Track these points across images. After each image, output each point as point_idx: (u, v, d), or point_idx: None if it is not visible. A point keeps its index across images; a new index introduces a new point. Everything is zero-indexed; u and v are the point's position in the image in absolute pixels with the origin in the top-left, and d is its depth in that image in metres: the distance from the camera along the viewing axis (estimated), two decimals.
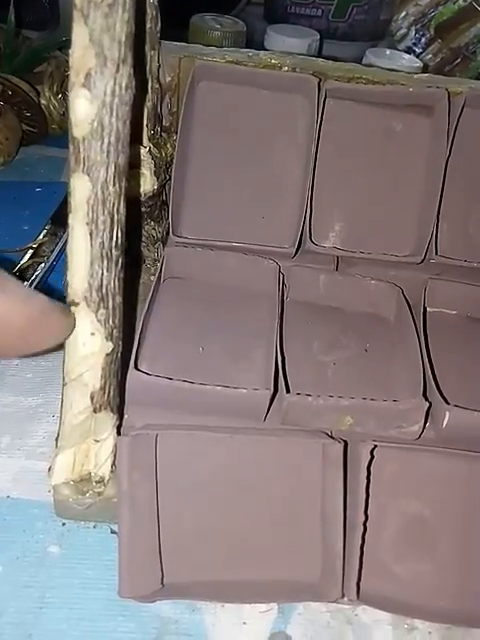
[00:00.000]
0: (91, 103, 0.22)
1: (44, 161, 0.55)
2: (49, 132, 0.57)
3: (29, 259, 0.41)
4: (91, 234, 0.23)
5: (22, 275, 0.40)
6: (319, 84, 0.32)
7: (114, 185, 0.23)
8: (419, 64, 0.63)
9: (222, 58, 0.33)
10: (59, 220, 0.44)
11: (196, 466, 0.26)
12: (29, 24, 0.68)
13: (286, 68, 0.33)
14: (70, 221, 0.23)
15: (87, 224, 0.23)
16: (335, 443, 0.26)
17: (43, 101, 0.56)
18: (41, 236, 0.43)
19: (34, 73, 0.58)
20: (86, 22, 0.21)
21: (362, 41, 0.83)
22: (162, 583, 0.25)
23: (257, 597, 0.26)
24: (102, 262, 0.24)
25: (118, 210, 0.24)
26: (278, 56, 0.34)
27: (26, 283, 0.39)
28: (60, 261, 0.42)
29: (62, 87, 0.57)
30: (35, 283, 0.39)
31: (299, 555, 0.26)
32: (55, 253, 0.42)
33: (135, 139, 0.34)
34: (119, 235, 0.24)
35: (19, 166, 0.53)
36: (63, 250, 0.43)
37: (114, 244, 0.24)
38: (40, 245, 0.42)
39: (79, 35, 0.21)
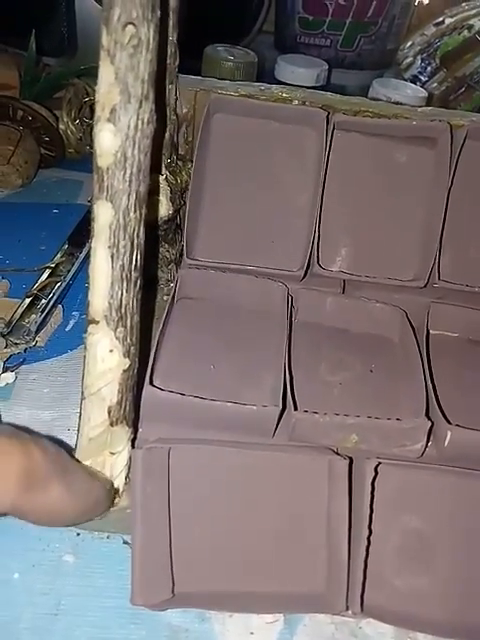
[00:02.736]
0: (115, 136, 0.23)
1: (61, 184, 0.57)
2: (66, 156, 0.59)
3: (46, 278, 0.42)
4: (112, 257, 0.25)
5: (39, 294, 0.41)
6: (327, 117, 0.34)
7: (135, 212, 0.25)
8: (424, 94, 0.64)
9: (236, 91, 0.35)
10: (76, 241, 0.46)
11: (207, 479, 0.27)
12: (48, 51, 0.71)
13: (296, 101, 0.35)
14: (93, 245, 0.25)
15: (109, 248, 0.25)
16: (341, 460, 0.27)
17: (61, 126, 0.58)
18: (58, 256, 0.45)
19: (53, 99, 0.60)
20: (112, 61, 0.23)
21: (369, 70, 0.85)
22: (173, 593, 0.26)
23: (264, 608, 0.27)
24: (122, 283, 0.25)
25: (138, 235, 0.25)
26: (289, 90, 0.35)
27: (46, 301, 0.40)
28: (76, 280, 0.44)
29: (80, 113, 0.59)
30: (53, 302, 0.41)
31: (305, 567, 0.27)
32: (72, 273, 0.43)
33: (152, 167, 0.35)
34: (138, 258, 0.25)
35: (37, 188, 0.55)
36: (79, 270, 0.44)
37: (133, 266, 0.25)
38: (57, 265, 0.44)
39: (105, 73, 0.23)
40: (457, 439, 0.28)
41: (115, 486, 0.28)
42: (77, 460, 0.27)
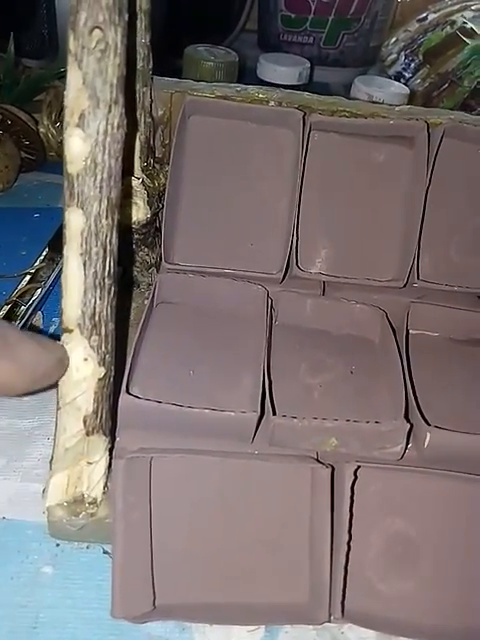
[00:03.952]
0: (85, 142, 0.23)
1: (42, 188, 0.56)
2: (47, 159, 0.58)
3: (27, 284, 0.42)
4: (85, 264, 0.24)
5: (19, 300, 0.41)
6: (304, 118, 0.34)
7: (107, 218, 0.24)
8: (406, 91, 0.64)
9: (212, 93, 0.35)
10: (56, 246, 0.45)
11: (189, 490, 0.27)
12: (28, 53, 0.70)
13: (273, 102, 0.35)
14: (65, 252, 0.25)
15: (81, 255, 0.24)
16: (323, 468, 0.26)
17: (42, 129, 0.58)
18: (38, 261, 0.44)
19: (33, 102, 0.59)
20: (80, 66, 0.23)
21: (353, 67, 0.85)
22: (154, 605, 0.26)
23: (246, 619, 0.27)
24: (95, 291, 0.25)
25: (111, 241, 0.25)
26: (265, 91, 0.35)
27: (25, 307, 0.40)
28: (57, 286, 0.43)
29: (60, 116, 0.59)
30: (32, 308, 0.40)
31: (288, 578, 0.27)
32: (52, 278, 0.43)
33: (129, 171, 0.35)
34: (112, 265, 0.25)
35: (18, 193, 0.55)
36: (60, 275, 0.44)
37: (107, 273, 0.25)
38: (37, 270, 0.43)
39: (73, 78, 0.23)
40: (437, 441, 0.27)
41: (93, 496, 0.28)
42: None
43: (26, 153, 0.57)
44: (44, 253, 0.45)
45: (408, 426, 0.27)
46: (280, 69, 0.64)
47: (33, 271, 0.44)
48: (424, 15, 0.83)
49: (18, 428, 0.34)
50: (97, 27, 0.22)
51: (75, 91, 0.23)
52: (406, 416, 0.28)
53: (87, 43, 0.22)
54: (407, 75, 0.82)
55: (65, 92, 0.23)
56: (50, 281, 0.43)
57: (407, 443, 0.28)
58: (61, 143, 0.59)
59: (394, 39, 0.85)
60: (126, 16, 0.23)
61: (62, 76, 0.60)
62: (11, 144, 0.54)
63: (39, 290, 0.42)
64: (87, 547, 0.29)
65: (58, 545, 0.29)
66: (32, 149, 0.57)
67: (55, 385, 0.26)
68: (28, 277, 0.43)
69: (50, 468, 0.28)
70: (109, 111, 0.23)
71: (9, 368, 0.23)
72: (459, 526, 0.28)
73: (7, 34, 0.59)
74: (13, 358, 0.23)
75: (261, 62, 0.67)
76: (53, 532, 0.28)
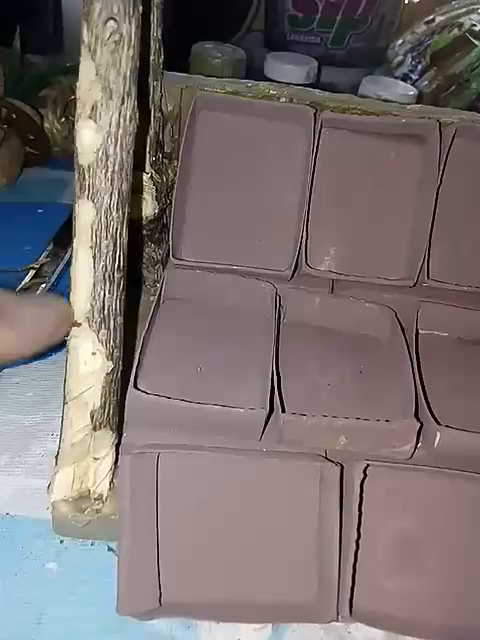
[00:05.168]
0: (96, 133, 0.23)
1: (46, 183, 0.56)
2: (52, 154, 0.58)
3: (30, 279, 0.42)
4: (94, 258, 0.24)
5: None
6: (315, 115, 0.34)
7: (117, 211, 0.24)
8: (414, 92, 0.64)
9: (222, 89, 0.35)
10: (60, 241, 0.45)
11: (196, 486, 0.27)
12: (33, 48, 0.70)
13: (283, 99, 0.34)
14: (74, 245, 0.24)
15: (91, 248, 0.24)
16: (332, 466, 0.26)
17: (46, 124, 0.58)
18: (42, 257, 0.44)
19: (38, 97, 0.59)
20: (93, 57, 0.22)
21: (359, 67, 0.85)
22: (160, 602, 0.26)
23: (253, 617, 0.26)
24: (104, 284, 0.25)
25: (121, 234, 0.25)
26: (276, 87, 0.35)
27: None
28: (61, 281, 0.43)
29: (65, 111, 0.59)
30: None
31: (295, 576, 0.27)
32: (56, 273, 0.43)
33: (137, 165, 0.35)
34: (121, 258, 0.25)
35: (22, 188, 0.55)
36: (64, 271, 0.43)
37: (116, 267, 0.25)
38: (41, 266, 0.43)
39: (86, 69, 0.23)
40: (447, 440, 0.27)
41: (99, 492, 0.27)
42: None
43: (31, 148, 0.56)
44: (48, 248, 0.45)
45: (418, 425, 0.27)
46: (288, 68, 0.64)
47: (37, 266, 0.43)
48: (431, 17, 0.83)
49: (22, 424, 0.34)
50: (111, 18, 0.22)
51: (88, 83, 0.23)
52: (416, 415, 0.28)
53: (101, 34, 0.22)
54: (413, 77, 0.82)
55: (77, 84, 0.23)
56: (54, 276, 0.43)
57: (417, 442, 0.27)
58: (66, 138, 0.60)
59: (401, 41, 0.85)
60: (140, 8, 0.22)
61: (67, 71, 0.60)
62: (16, 139, 0.54)
63: (43, 285, 0.42)
64: (92, 544, 0.29)
65: (62, 542, 0.28)
66: (37, 144, 0.57)
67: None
68: (32, 272, 0.43)
69: (55, 463, 0.27)
70: (122, 103, 0.23)
71: (11, 335, 0.23)
72: (468, 526, 0.27)
73: (13, 29, 0.59)
74: (13, 324, 0.23)
75: (268, 61, 0.66)
76: (58, 528, 0.28)
